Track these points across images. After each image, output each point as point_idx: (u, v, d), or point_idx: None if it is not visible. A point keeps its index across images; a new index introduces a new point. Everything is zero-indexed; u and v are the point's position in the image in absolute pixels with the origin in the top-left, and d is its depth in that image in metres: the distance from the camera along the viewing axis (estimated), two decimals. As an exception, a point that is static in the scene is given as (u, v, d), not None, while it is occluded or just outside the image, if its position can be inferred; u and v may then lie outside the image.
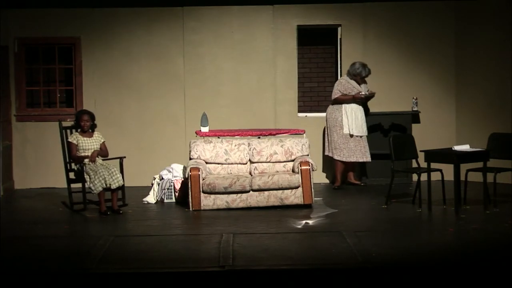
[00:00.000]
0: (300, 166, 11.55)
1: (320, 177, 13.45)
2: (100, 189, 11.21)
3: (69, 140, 11.51)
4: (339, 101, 12.98)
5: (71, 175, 11.69)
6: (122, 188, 11.49)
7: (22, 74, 13.59)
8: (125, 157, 11.80)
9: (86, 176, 11.28)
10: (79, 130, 11.59)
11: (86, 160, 11.42)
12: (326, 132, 13.16)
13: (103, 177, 11.20)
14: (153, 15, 13.57)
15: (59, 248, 9.39)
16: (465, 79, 13.63)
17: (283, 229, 10.22)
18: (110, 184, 11.25)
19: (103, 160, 11.60)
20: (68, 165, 11.68)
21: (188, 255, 8.96)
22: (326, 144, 13.15)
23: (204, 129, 12.53)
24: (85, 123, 11.56)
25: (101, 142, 11.65)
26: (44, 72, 13.74)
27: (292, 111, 13.69)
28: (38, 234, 10.15)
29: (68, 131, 11.72)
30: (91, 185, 11.22)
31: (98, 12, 13.54)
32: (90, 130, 11.62)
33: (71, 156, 11.46)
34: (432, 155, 11.24)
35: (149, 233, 10.10)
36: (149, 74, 13.61)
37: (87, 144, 11.53)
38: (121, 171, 11.54)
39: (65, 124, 11.87)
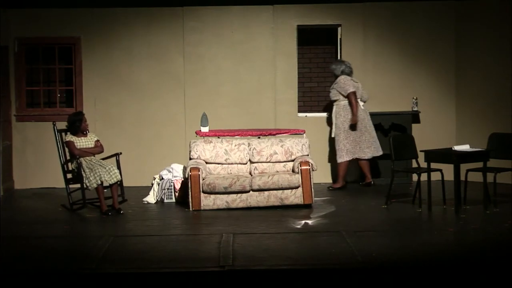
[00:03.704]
0: (300, 166, 11.55)
1: (320, 177, 13.43)
2: (95, 185, 11.21)
3: (68, 139, 11.49)
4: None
5: (69, 176, 11.67)
6: (120, 184, 11.47)
7: (22, 74, 13.59)
8: (121, 153, 11.77)
9: (82, 173, 11.27)
10: (78, 132, 11.55)
11: (88, 158, 11.43)
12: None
13: (98, 174, 11.21)
14: (153, 15, 13.58)
15: (59, 248, 9.39)
16: (465, 79, 13.64)
17: (283, 229, 10.22)
18: (106, 181, 11.23)
19: (101, 159, 11.60)
20: (65, 166, 11.67)
21: (188, 255, 8.96)
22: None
23: (204, 129, 12.53)
24: (86, 123, 11.58)
25: (95, 140, 11.65)
26: (44, 72, 13.74)
27: (292, 111, 13.69)
28: (38, 234, 10.15)
29: (63, 133, 11.69)
30: (86, 181, 11.23)
31: (98, 12, 13.54)
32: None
33: (74, 153, 11.41)
34: (432, 155, 11.24)
35: (149, 233, 10.10)
36: (149, 74, 13.61)
37: (83, 144, 11.53)
38: (118, 167, 11.52)
39: (63, 125, 11.82)
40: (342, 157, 12.90)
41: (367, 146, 12.95)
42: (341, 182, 12.99)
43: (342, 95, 12.89)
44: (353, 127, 12.87)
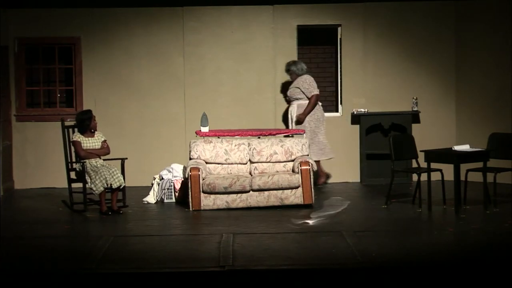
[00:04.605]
0: (300, 166, 11.55)
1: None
2: (102, 189, 11.21)
3: (75, 139, 11.48)
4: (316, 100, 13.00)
5: (72, 175, 11.68)
6: (123, 189, 11.48)
7: (22, 74, 13.58)
8: (126, 158, 11.79)
9: (87, 177, 11.29)
10: (86, 131, 11.55)
11: (93, 160, 11.41)
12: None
13: (104, 177, 11.21)
14: (153, 15, 13.58)
15: (59, 248, 9.39)
16: (465, 79, 13.64)
17: (283, 229, 10.22)
18: (111, 184, 11.26)
19: (104, 160, 11.61)
20: (70, 164, 11.68)
21: (188, 255, 8.97)
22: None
23: (204, 129, 12.52)
24: (95, 122, 11.58)
25: (102, 141, 11.66)
26: (44, 72, 13.73)
27: (292, 111, 13.68)
28: (38, 234, 10.15)
29: (70, 130, 11.71)
30: (92, 185, 11.23)
31: (98, 12, 13.54)
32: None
33: (80, 155, 11.42)
34: (432, 155, 11.24)
35: (149, 233, 10.10)
36: (149, 74, 13.61)
37: (90, 144, 11.53)
38: (122, 173, 11.53)
39: (66, 123, 11.87)
40: (329, 154, 12.96)
41: (323, 147, 13.03)
42: (323, 176, 13.12)
43: (305, 94, 12.91)
44: (318, 127, 12.88)
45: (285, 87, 13.64)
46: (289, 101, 13.23)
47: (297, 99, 12.97)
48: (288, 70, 13.14)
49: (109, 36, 13.58)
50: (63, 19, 13.51)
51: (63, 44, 13.61)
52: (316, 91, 12.92)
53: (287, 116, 13.23)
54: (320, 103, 13.13)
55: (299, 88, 12.94)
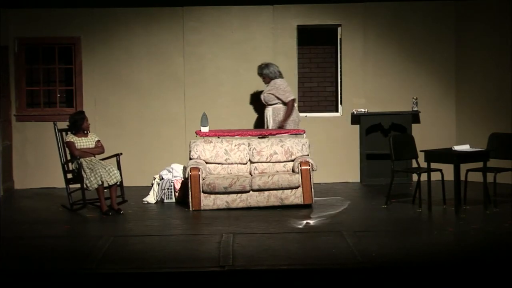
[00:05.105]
0: (300, 166, 11.55)
1: (320, 177, 13.43)
2: (96, 186, 11.21)
3: (68, 140, 11.50)
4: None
5: (69, 176, 11.67)
6: (120, 184, 11.49)
7: (22, 74, 13.59)
8: (121, 153, 11.78)
9: (83, 173, 11.28)
10: (79, 132, 11.57)
11: (88, 158, 11.44)
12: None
13: (99, 174, 11.21)
14: (153, 15, 13.58)
15: (59, 248, 9.39)
16: (465, 79, 13.64)
17: (283, 229, 10.22)
18: (107, 182, 11.25)
19: (101, 160, 11.61)
20: (66, 166, 11.68)
21: (188, 255, 8.97)
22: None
23: (204, 129, 12.52)
24: (88, 123, 11.60)
25: (95, 140, 11.66)
26: (44, 72, 13.73)
27: (292, 111, 13.67)
28: (38, 234, 10.15)
29: (64, 133, 11.70)
30: (86, 181, 11.23)
31: (98, 12, 13.54)
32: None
33: (75, 154, 11.42)
34: (432, 155, 11.25)
35: (149, 233, 10.10)
36: (149, 74, 13.62)
37: (84, 143, 11.54)
38: (119, 168, 11.54)
39: (63, 125, 11.84)
40: None
41: None
42: None
43: (281, 100, 12.78)
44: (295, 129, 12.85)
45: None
46: (264, 105, 13.07)
47: (271, 104, 12.86)
48: (260, 74, 12.92)
49: (109, 36, 13.58)
50: (63, 19, 13.52)
51: (63, 44, 13.61)
52: (292, 96, 12.75)
53: (263, 120, 13.13)
54: (295, 105, 12.93)
55: (273, 94, 12.79)
